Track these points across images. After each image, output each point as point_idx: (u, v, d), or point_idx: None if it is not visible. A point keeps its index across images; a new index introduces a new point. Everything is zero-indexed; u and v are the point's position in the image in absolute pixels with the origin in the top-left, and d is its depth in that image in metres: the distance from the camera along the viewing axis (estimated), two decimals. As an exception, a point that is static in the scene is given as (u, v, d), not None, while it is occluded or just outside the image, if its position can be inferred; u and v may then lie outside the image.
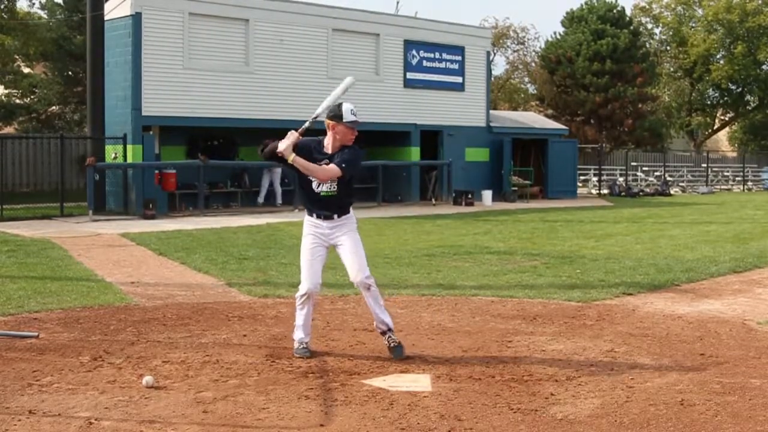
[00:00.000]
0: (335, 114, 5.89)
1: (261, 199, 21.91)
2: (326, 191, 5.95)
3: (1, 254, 11.79)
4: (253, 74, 21.50)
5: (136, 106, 19.58)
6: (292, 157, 5.78)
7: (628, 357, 6.14)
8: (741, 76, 50.60)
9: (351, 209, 6.14)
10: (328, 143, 5.96)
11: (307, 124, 5.97)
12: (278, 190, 22.03)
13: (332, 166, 5.84)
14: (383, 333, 6.11)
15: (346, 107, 5.89)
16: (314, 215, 6.04)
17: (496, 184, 26.60)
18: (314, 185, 5.96)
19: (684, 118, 53.64)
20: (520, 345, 6.49)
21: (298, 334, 6.11)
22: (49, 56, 28.54)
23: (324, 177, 5.87)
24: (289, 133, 5.85)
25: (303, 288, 6.03)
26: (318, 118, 6.00)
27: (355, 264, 5.98)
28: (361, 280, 5.97)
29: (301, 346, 6.07)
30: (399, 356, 5.97)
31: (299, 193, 6.17)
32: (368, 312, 6.41)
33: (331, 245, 6.08)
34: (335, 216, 6.01)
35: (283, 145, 5.79)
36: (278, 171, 21.62)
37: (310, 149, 5.93)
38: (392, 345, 6.05)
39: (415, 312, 7.80)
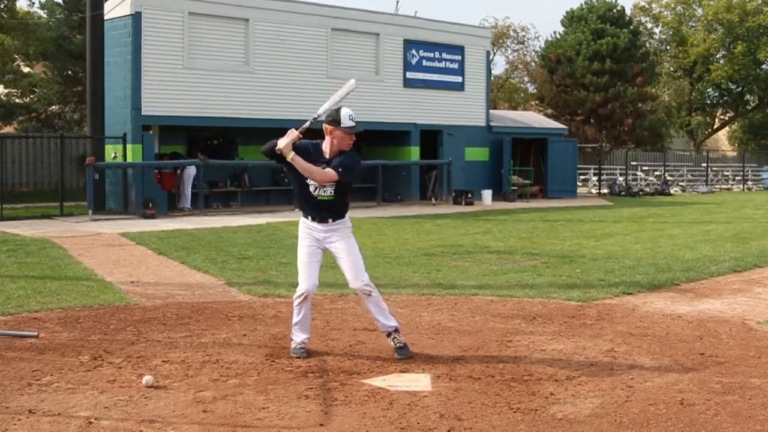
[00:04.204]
0: (333, 119, 5.86)
1: (187, 204, 20.46)
2: (323, 196, 5.94)
3: (1, 254, 11.78)
4: (253, 74, 21.49)
5: (136, 106, 19.57)
6: (291, 156, 5.78)
7: (628, 357, 6.13)
8: (741, 75, 50.62)
9: (346, 214, 6.13)
10: (327, 148, 5.94)
11: (307, 124, 5.95)
12: (187, 194, 20.57)
13: (329, 169, 5.82)
14: (389, 335, 6.10)
15: (345, 112, 5.85)
16: (309, 218, 6.04)
17: (496, 183, 26.61)
18: (311, 189, 5.95)
19: (684, 117, 53.67)
20: (520, 345, 6.49)
21: (297, 335, 6.12)
22: (48, 56, 28.52)
23: (321, 179, 5.86)
24: (289, 131, 5.84)
25: (301, 288, 6.03)
26: (318, 119, 5.98)
27: (352, 271, 5.96)
28: (360, 288, 5.96)
29: (299, 347, 6.07)
30: (405, 356, 5.96)
31: (296, 196, 6.19)
32: (369, 312, 6.41)
33: (326, 248, 6.06)
34: (330, 220, 6.01)
35: (283, 143, 5.79)
36: (190, 174, 20.44)
37: (308, 152, 5.92)
38: (398, 345, 6.04)
39: (415, 312, 7.80)
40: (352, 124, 5.87)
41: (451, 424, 4.56)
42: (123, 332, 6.83)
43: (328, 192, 5.93)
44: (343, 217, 6.07)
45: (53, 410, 4.74)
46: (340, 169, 5.83)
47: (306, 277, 6.00)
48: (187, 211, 20.01)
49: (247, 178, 22.47)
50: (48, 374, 5.48)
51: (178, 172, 20.56)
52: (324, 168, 5.84)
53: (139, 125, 19.67)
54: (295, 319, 6.10)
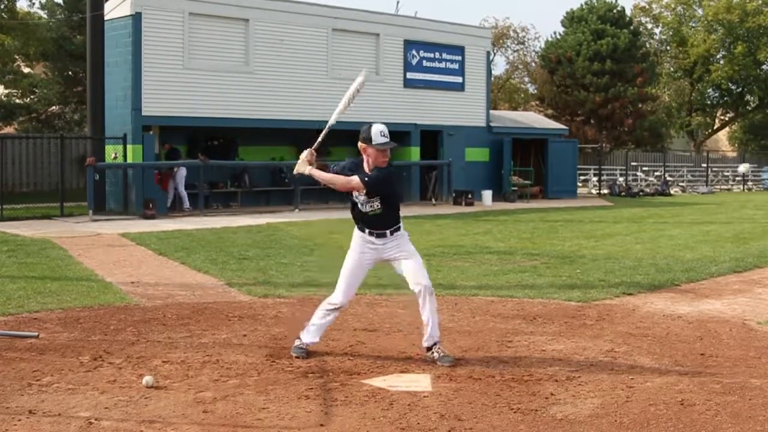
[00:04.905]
0: (365, 137, 5.83)
1: (168, 204, 20.17)
2: (371, 211, 5.94)
3: (1, 254, 11.79)
4: (253, 74, 21.49)
5: (136, 106, 19.57)
6: (308, 170, 5.85)
7: (628, 357, 6.13)
8: (741, 76, 50.61)
9: (401, 225, 6.10)
10: (365, 165, 5.92)
11: (321, 138, 5.96)
12: (183, 194, 20.44)
13: (355, 177, 5.83)
14: (434, 344, 5.95)
15: (376, 129, 5.81)
16: (366, 232, 6.00)
17: (496, 184, 26.59)
18: (360, 206, 5.96)
19: (684, 118, 53.66)
20: (521, 345, 6.49)
21: (306, 336, 6.08)
22: (49, 56, 28.52)
23: (342, 187, 5.92)
24: (303, 153, 5.91)
25: (337, 299, 6.01)
26: (332, 127, 5.98)
27: (419, 271, 5.94)
28: (427, 285, 5.91)
29: (301, 347, 6.06)
30: (452, 363, 5.85)
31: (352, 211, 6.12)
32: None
33: (384, 260, 6.02)
34: (387, 233, 5.98)
35: (298, 167, 5.88)
36: (182, 175, 20.38)
37: (355, 169, 5.93)
38: (442, 355, 5.91)
39: (415, 312, 7.77)
40: (384, 140, 5.82)
41: (451, 424, 4.56)
42: (123, 333, 6.83)
43: (375, 206, 5.92)
44: (399, 229, 6.05)
45: (53, 411, 4.74)
46: (366, 179, 5.82)
47: (345, 289, 5.99)
48: (188, 212, 20.01)
49: (247, 179, 22.47)
50: (48, 375, 5.48)
51: (175, 170, 20.55)
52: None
53: (139, 125, 19.67)
54: (316, 321, 6.05)
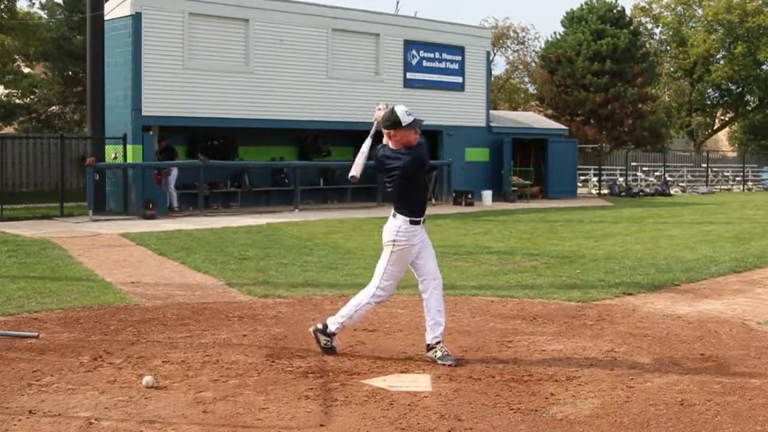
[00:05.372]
0: (393, 121, 5.74)
1: (168, 205, 20.08)
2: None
3: (1, 254, 11.78)
4: (253, 74, 21.49)
5: (136, 106, 19.57)
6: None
7: (628, 357, 6.13)
8: (741, 76, 50.62)
9: None
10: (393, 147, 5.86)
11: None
12: (172, 192, 20.40)
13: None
14: (438, 344, 5.90)
15: (401, 110, 5.74)
16: (420, 218, 5.93)
17: (496, 184, 26.60)
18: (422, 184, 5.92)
19: (684, 118, 53.68)
20: (520, 345, 6.49)
21: (336, 323, 6.01)
22: (49, 56, 28.53)
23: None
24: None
25: (384, 296, 5.99)
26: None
27: (436, 263, 6.07)
28: (440, 279, 6.07)
29: (331, 345, 6.04)
30: (453, 362, 5.80)
31: (404, 201, 5.89)
32: (432, 310, 6.30)
33: (419, 248, 5.98)
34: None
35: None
36: (173, 174, 20.36)
37: (385, 151, 5.88)
38: (444, 353, 5.87)
39: (415, 312, 7.78)
40: (412, 118, 5.74)
41: (451, 424, 4.56)
42: (123, 333, 6.83)
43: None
44: None
45: (53, 411, 4.74)
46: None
47: (394, 286, 6.00)
48: (176, 210, 19.99)
49: (247, 179, 22.46)
50: (48, 375, 5.48)
51: (169, 170, 20.54)
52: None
53: (139, 125, 19.66)
54: (353, 316, 5.99)
